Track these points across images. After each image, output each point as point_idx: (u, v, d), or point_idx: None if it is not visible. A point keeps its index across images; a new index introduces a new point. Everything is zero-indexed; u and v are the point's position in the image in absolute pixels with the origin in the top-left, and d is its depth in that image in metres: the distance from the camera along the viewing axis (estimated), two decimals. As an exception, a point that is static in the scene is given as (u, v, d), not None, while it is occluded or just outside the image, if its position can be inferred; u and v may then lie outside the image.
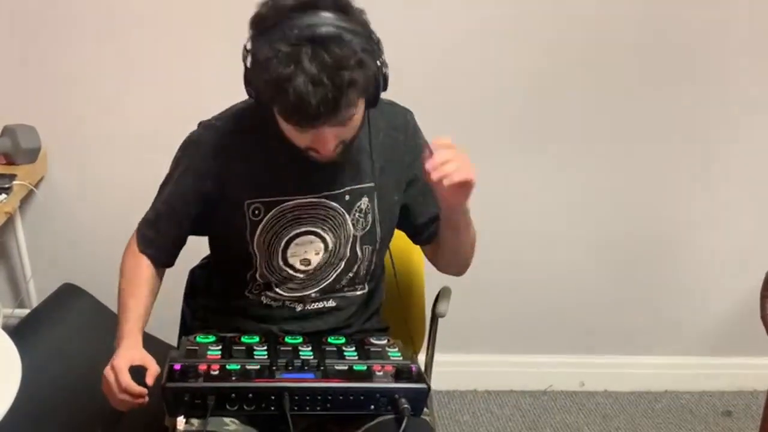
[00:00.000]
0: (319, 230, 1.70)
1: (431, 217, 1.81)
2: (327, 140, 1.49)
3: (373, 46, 1.48)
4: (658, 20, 2.70)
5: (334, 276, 1.76)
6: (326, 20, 1.40)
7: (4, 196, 2.34)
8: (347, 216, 1.71)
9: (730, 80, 2.81)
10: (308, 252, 1.71)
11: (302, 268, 1.72)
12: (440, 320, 2.02)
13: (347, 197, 1.70)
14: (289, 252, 1.71)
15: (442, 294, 2.06)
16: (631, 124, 2.82)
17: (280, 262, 1.71)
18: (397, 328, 1.93)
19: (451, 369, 2.89)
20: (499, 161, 2.81)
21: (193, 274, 2.00)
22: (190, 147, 1.72)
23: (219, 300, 1.83)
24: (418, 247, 1.95)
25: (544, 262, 2.97)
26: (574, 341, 3.13)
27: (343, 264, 1.75)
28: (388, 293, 1.93)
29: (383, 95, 1.56)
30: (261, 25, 1.44)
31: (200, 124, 1.71)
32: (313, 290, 1.76)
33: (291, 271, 1.73)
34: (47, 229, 2.73)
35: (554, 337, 3.11)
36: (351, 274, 1.77)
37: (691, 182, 2.94)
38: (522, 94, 2.76)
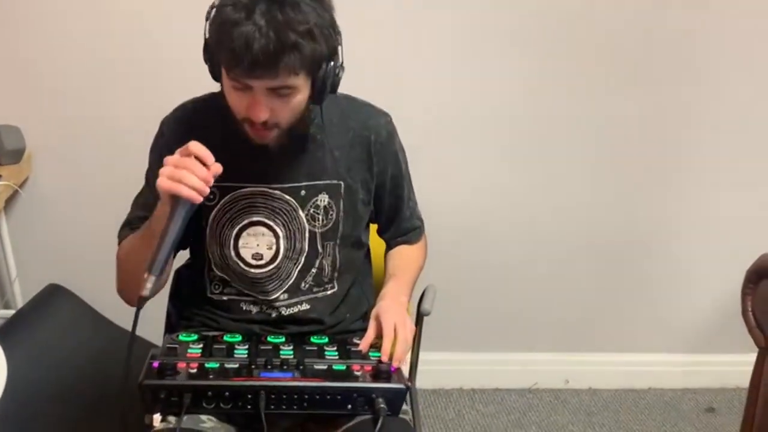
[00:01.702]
0: (270, 222, 1.72)
1: (395, 230, 1.93)
2: (260, 104, 1.50)
3: (331, 35, 1.51)
4: (639, 25, 2.72)
5: (297, 273, 1.77)
6: None
7: (-12, 197, 2.34)
8: (300, 211, 1.72)
9: (712, 82, 2.82)
10: (260, 245, 1.73)
11: (254, 262, 1.74)
12: (425, 318, 2.02)
13: (303, 192, 1.72)
14: (241, 242, 1.72)
15: (427, 292, 2.06)
16: (615, 126, 2.84)
17: (232, 253, 1.73)
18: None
19: (436, 367, 2.90)
20: (487, 163, 2.84)
21: (179, 273, 2.00)
22: (162, 126, 1.76)
23: (202, 300, 1.83)
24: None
25: (528, 261, 2.99)
26: (558, 339, 3.15)
27: (303, 259, 1.76)
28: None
29: (363, 96, 1.58)
30: None
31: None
32: (280, 291, 1.77)
33: (243, 265, 1.74)
34: (32, 229, 2.72)
35: (539, 335, 3.13)
36: (314, 270, 1.78)
37: (674, 181, 2.95)
38: (507, 100, 2.78)
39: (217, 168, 1.47)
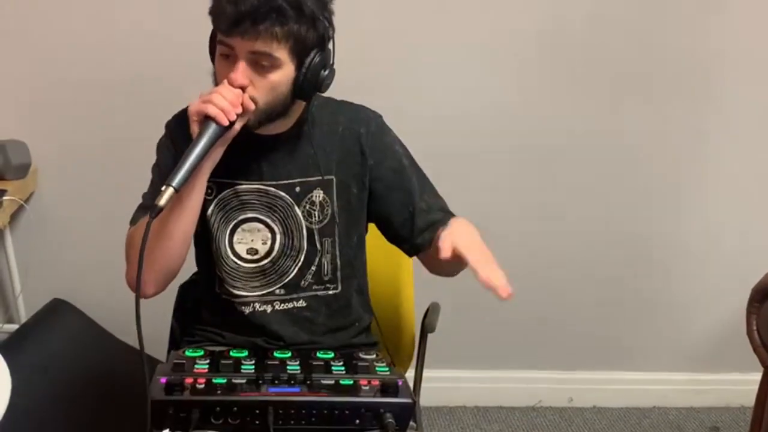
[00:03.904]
0: (266, 218, 1.74)
1: (414, 227, 1.77)
2: (239, 68, 1.54)
3: (323, 22, 1.56)
4: (648, 41, 2.73)
5: (296, 270, 1.78)
6: None
7: (-6, 211, 2.34)
8: (296, 207, 1.74)
9: (719, 98, 2.83)
10: (255, 240, 1.75)
11: (249, 257, 1.76)
12: (429, 336, 2.02)
13: (297, 188, 1.74)
14: (236, 238, 1.75)
15: (432, 309, 2.06)
16: (620, 143, 2.84)
17: (227, 249, 1.75)
18: (386, 343, 1.94)
19: (440, 385, 2.90)
20: (491, 180, 2.84)
21: (182, 289, 2.01)
22: (167, 126, 1.79)
23: (205, 314, 1.84)
24: (406, 261, 1.96)
25: (532, 278, 2.98)
26: (562, 357, 3.14)
27: (302, 257, 1.77)
28: (377, 307, 1.93)
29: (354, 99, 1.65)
30: None
31: None
32: (277, 286, 1.78)
33: (238, 261, 1.76)
34: (37, 244, 2.73)
35: (543, 352, 3.12)
36: (314, 268, 1.79)
37: (679, 199, 2.95)
38: (513, 116, 2.78)
39: (249, 103, 1.55)
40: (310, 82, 1.59)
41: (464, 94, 2.73)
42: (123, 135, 2.63)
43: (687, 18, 2.71)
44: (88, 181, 2.69)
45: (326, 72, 1.61)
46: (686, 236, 3.01)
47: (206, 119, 1.51)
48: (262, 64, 1.54)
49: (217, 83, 1.60)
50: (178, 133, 1.71)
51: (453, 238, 1.48)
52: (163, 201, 1.44)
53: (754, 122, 2.87)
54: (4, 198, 2.39)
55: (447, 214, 1.76)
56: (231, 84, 1.54)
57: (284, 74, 1.57)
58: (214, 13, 1.54)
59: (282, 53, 1.54)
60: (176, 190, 1.46)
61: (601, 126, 2.82)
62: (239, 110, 1.53)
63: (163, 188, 1.45)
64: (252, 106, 1.56)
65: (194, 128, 1.53)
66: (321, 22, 1.55)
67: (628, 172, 2.89)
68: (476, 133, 2.77)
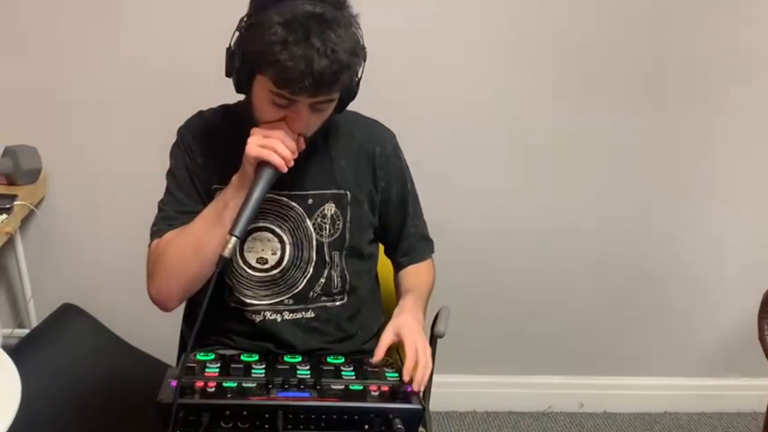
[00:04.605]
0: (276, 228, 1.74)
1: (399, 248, 1.92)
2: (303, 119, 1.54)
3: (363, 52, 1.55)
4: (658, 49, 2.72)
5: (305, 282, 1.78)
6: (332, 8, 1.49)
7: (4, 216, 2.35)
8: (307, 219, 1.74)
9: (729, 103, 2.81)
10: (265, 250, 1.75)
11: (258, 266, 1.76)
12: (439, 341, 2.01)
13: (310, 200, 1.74)
14: (246, 246, 1.75)
15: (441, 314, 2.05)
16: (631, 148, 2.84)
17: (237, 257, 1.75)
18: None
19: (451, 390, 2.89)
20: (502, 186, 2.84)
21: (193, 295, 2.01)
22: (181, 131, 1.77)
23: (213, 318, 1.84)
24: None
25: (543, 283, 2.98)
26: (573, 362, 3.13)
27: (311, 269, 1.78)
28: (388, 311, 1.93)
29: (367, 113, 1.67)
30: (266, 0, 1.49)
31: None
32: (287, 296, 1.78)
33: (248, 269, 1.76)
34: (47, 249, 2.74)
35: (553, 358, 3.11)
36: (323, 281, 1.79)
37: (690, 204, 2.94)
38: (522, 123, 2.78)
39: (302, 143, 1.57)
40: (349, 100, 1.63)
41: (472, 95, 2.72)
42: (133, 140, 2.64)
43: (698, 22, 2.70)
44: (99, 186, 2.70)
45: (358, 84, 1.61)
46: (697, 241, 3.00)
47: (265, 164, 1.53)
48: (320, 107, 1.56)
49: (258, 116, 1.58)
50: (191, 140, 1.73)
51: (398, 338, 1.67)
52: (227, 252, 1.47)
53: (765, 126, 2.86)
54: (15, 203, 2.40)
55: (422, 249, 1.95)
56: (293, 131, 1.55)
57: (334, 105, 1.60)
58: (278, 76, 1.46)
59: (335, 100, 1.58)
60: (239, 239, 1.49)
61: (611, 132, 2.81)
62: (296, 155, 1.55)
63: (227, 238, 1.48)
64: (304, 145, 1.59)
65: (248, 170, 1.55)
66: (364, 53, 1.56)
67: (639, 178, 2.88)
68: (485, 138, 2.77)
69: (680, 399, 3.20)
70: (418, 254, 1.94)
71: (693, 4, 2.67)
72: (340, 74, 1.46)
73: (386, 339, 1.66)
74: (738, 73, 2.78)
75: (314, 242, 1.76)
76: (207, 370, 1.61)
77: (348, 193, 1.77)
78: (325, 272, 1.79)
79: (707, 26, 2.71)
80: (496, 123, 2.76)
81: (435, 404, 2.15)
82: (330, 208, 1.75)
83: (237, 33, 1.55)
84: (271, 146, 1.51)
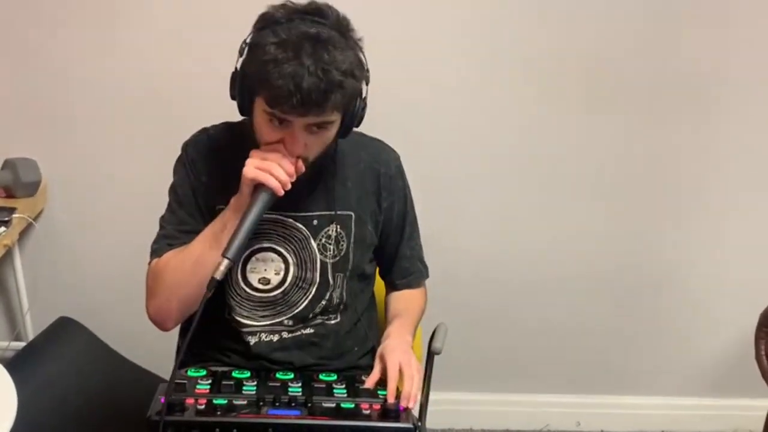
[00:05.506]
0: (281, 249, 1.74)
1: (394, 269, 1.93)
2: (298, 140, 1.53)
3: (363, 72, 1.55)
4: (654, 63, 2.72)
5: (306, 302, 1.78)
6: (330, 29, 1.49)
7: (3, 228, 2.35)
8: (312, 240, 1.74)
9: (725, 118, 2.81)
10: (268, 270, 1.75)
11: (260, 286, 1.76)
12: (436, 358, 2.01)
13: (315, 222, 1.74)
14: (249, 266, 1.74)
15: (438, 331, 2.05)
16: (628, 163, 2.84)
17: (239, 277, 1.75)
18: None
19: (447, 407, 2.88)
20: (498, 203, 2.84)
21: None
22: (186, 147, 1.77)
23: (211, 335, 1.83)
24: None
25: (540, 301, 2.97)
26: (570, 381, 3.12)
27: (314, 290, 1.78)
28: (383, 328, 1.93)
29: (372, 133, 1.66)
30: (266, 22, 1.51)
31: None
32: (286, 317, 1.78)
33: (249, 290, 1.76)
34: (45, 262, 2.74)
35: (551, 376, 3.10)
36: (324, 302, 1.79)
37: (687, 222, 2.94)
38: (519, 140, 2.78)
39: (301, 166, 1.55)
40: (353, 124, 1.62)
41: (469, 109, 2.73)
42: (133, 154, 2.64)
43: (694, 34, 2.71)
44: (98, 200, 2.70)
45: (364, 109, 1.61)
46: (695, 260, 2.99)
47: (261, 187, 1.52)
48: (317, 128, 1.55)
49: (258, 138, 1.58)
50: (196, 157, 1.73)
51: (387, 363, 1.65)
52: (219, 275, 1.47)
53: (762, 140, 2.85)
54: (14, 216, 2.41)
55: (418, 274, 1.95)
56: (291, 154, 1.54)
57: (335, 129, 1.59)
58: (269, 95, 1.48)
59: (336, 115, 1.55)
60: (233, 262, 1.48)
61: (608, 147, 2.81)
62: (294, 178, 1.54)
63: (219, 260, 1.47)
64: (303, 168, 1.58)
65: (245, 191, 1.55)
66: (364, 74, 1.56)
67: (637, 197, 2.88)
68: (483, 156, 2.78)
69: (677, 418, 3.18)
70: (413, 278, 1.95)
71: (694, 18, 2.68)
72: (330, 93, 1.45)
73: (375, 370, 1.67)
74: (738, 86, 2.78)
75: (318, 263, 1.76)
76: (198, 386, 1.61)
77: (352, 214, 1.77)
78: (327, 294, 1.79)
79: (709, 40, 2.71)
80: (497, 140, 2.77)
81: (432, 422, 2.14)
82: (334, 229, 1.75)
83: (239, 56, 1.56)
84: (268, 169, 1.51)
